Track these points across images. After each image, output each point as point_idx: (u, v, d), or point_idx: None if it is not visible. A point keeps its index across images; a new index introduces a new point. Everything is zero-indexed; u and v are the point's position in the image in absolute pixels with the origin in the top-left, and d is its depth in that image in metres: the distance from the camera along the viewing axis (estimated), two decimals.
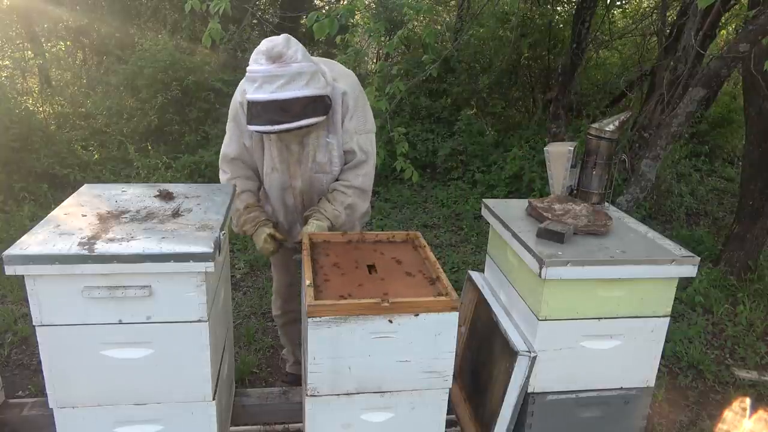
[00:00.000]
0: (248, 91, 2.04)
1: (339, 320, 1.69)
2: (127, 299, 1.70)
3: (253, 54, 2.05)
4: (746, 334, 3.84)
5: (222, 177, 2.40)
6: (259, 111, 2.01)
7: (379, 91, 4.02)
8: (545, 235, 2.01)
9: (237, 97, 2.28)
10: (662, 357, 2.15)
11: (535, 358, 1.96)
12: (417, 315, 1.72)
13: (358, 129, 2.28)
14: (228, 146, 2.35)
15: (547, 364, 1.99)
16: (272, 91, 1.97)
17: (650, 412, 2.44)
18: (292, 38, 2.08)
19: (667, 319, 2.03)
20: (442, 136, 6.77)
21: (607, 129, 2.36)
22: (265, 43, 2.03)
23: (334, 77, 2.22)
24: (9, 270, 1.62)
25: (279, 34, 2.11)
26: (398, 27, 6.39)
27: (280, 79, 1.97)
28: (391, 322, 1.71)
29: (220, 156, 2.39)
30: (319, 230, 2.24)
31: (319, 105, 2.07)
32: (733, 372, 3.44)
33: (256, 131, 2.09)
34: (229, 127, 2.34)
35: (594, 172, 2.41)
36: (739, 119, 7.57)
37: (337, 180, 2.36)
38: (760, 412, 3.11)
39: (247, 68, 2.06)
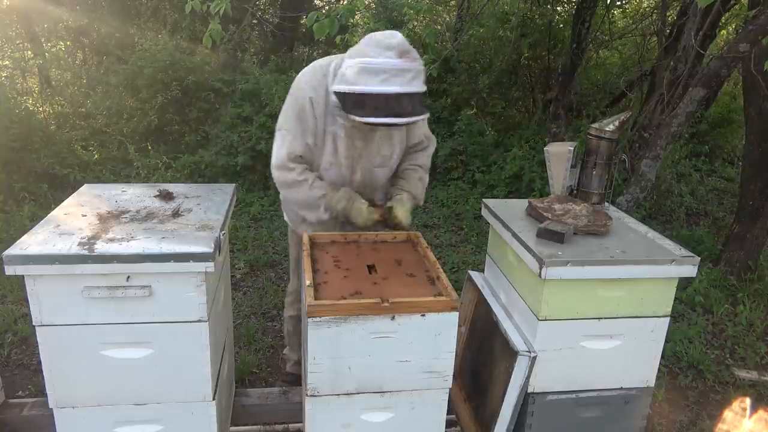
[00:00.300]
0: (364, 83, 2.00)
1: (339, 320, 1.69)
2: (127, 299, 1.70)
3: (370, 47, 2.03)
4: (746, 334, 3.84)
5: (288, 176, 2.31)
6: (382, 104, 2.00)
7: None
8: (545, 235, 2.01)
9: (305, 93, 2.22)
10: (662, 357, 2.15)
11: (535, 358, 1.96)
12: (417, 315, 1.72)
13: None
14: (292, 145, 2.28)
15: (547, 364, 1.99)
16: (401, 85, 1.98)
17: (650, 412, 2.44)
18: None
19: (667, 319, 2.03)
20: (442, 136, 6.77)
21: (607, 129, 2.36)
22: (386, 38, 2.03)
23: None
24: (9, 270, 1.63)
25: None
26: (398, 27, 6.39)
27: (408, 74, 1.99)
28: (393, 319, 1.71)
29: (283, 156, 2.30)
30: (406, 205, 2.30)
31: (423, 100, 2.14)
32: (733, 372, 3.44)
33: (374, 123, 2.05)
34: (292, 125, 2.27)
35: (594, 172, 2.41)
36: (739, 119, 7.57)
37: (402, 164, 2.45)
38: (760, 412, 3.10)
39: (363, 60, 2.02)
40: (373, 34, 2.09)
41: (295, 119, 2.26)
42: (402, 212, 2.27)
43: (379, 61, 1.99)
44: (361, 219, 2.27)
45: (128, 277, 1.68)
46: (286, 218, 2.67)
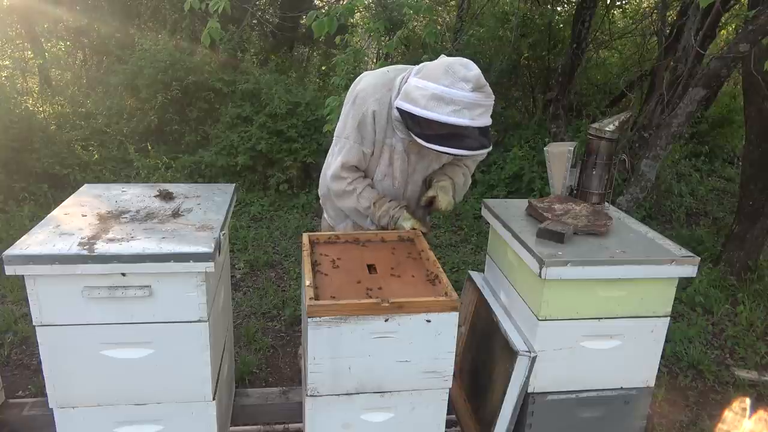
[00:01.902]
0: (435, 109, 2.00)
1: (339, 320, 1.68)
2: (127, 299, 1.70)
3: (447, 74, 2.02)
4: (746, 334, 3.84)
5: (339, 185, 2.34)
6: (449, 133, 2.02)
7: None
8: (545, 235, 2.01)
9: (368, 106, 2.21)
10: (662, 357, 2.15)
11: (535, 358, 1.96)
12: (417, 315, 1.72)
13: None
14: (348, 154, 2.29)
15: (547, 364, 1.99)
16: (471, 118, 2.01)
17: (650, 412, 2.44)
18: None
19: (667, 319, 2.03)
20: None
21: (607, 129, 2.36)
22: (464, 70, 2.02)
23: None
24: (9, 270, 1.63)
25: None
26: (398, 27, 6.38)
27: (481, 108, 2.02)
28: (393, 319, 1.71)
29: (337, 166, 2.31)
30: (449, 193, 2.34)
31: None
32: (733, 372, 3.44)
33: (440, 151, 2.07)
34: (350, 135, 2.27)
35: (594, 172, 2.41)
36: (739, 119, 7.57)
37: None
38: (760, 412, 3.11)
39: (438, 87, 2.01)
40: (449, 60, 2.08)
41: (356, 129, 2.25)
42: (445, 200, 2.31)
43: (453, 92, 2.00)
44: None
45: (124, 273, 1.68)
46: (325, 215, 2.65)
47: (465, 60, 2.08)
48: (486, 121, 2.05)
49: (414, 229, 2.25)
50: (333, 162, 2.34)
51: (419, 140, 2.06)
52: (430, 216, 2.58)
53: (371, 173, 2.38)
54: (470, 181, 2.54)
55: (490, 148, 2.12)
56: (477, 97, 2.00)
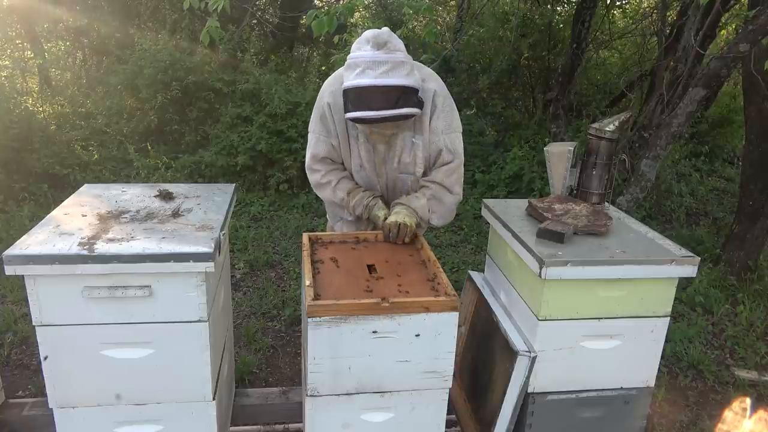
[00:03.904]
0: (348, 78, 2.01)
1: (339, 320, 1.68)
2: (127, 299, 1.70)
3: (354, 43, 2.06)
4: (746, 334, 3.84)
5: (314, 177, 2.36)
6: (358, 97, 1.98)
7: None
8: (545, 235, 2.01)
9: (324, 99, 2.24)
10: (662, 357, 2.15)
11: (535, 358, 1.96)
12: (417, 315, 1.72)
13: (445, 129, 2.26)
14: (316, 147, 2.32)
15: (547, 364, 1.99)
16: (376, 77, 1.96)
17: (650, 412, 2.44)
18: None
19: (667, 319, 2.03)
20: None
21: (607, 129, 2.36)
22: (369, 32, 2.03)
23: (423, 77, 2.21)
24: (9, 270, 1.62)
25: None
26: (398, 27, 6.38)
27: (384, 65, 1.97)
28: (393, 319, 1.71)
29: (309, 158, 2.34)
30: (409, 219, 2.19)
31: (416, 98, 2.07)
32: (733, 372, 3.44)
33: (354, 119, 2.04)
34: (315, 129, 2.31)
35: (594, 172, 2.41)
36: (739, 119, 7.57)
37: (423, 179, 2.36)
38: (760, 412, 3.11)
39: (349, 56, 2.05)
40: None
41: (319, 122, 2.29)
42: (392, 220, 2.18)
43: (356, 54, 2.01)
44: (378, 227, 2.29)
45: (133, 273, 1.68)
46: (328, 214, 2.68)
47: (383, 28, 2.06)
48: (395, 80, 1.96)
49: (386, 219, 2.23)
50: (307, 156, 2.37)
51: (346, 115, 2.04)
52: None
53: (348, 165, 2.37)
54: (448, 196, 2.31)
55: (410, 110, 2.02)
56: (376, 54, 1.97)
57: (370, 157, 2.31)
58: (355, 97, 2.00)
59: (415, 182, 2.35)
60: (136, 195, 2.17)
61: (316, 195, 2.55)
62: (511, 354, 1.98)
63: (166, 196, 2.15)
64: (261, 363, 3.39)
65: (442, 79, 2.36)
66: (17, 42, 8.52)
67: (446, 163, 2.29)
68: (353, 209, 2.33)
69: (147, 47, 6.53)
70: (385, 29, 2.05)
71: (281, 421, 2.64)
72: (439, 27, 8.96)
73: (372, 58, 1.97)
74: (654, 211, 5.89)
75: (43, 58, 7.83)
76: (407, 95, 2.01)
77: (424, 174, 2.34)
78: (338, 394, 1.79)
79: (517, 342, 2.00)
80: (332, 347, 1.71)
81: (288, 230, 5.25)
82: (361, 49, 2.01)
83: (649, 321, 2.01)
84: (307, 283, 1.78)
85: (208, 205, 2.10)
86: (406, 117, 2.06)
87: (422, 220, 2.26)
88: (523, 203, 2.34)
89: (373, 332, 1.71)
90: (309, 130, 2.36)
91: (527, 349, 1.97)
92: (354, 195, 2.32)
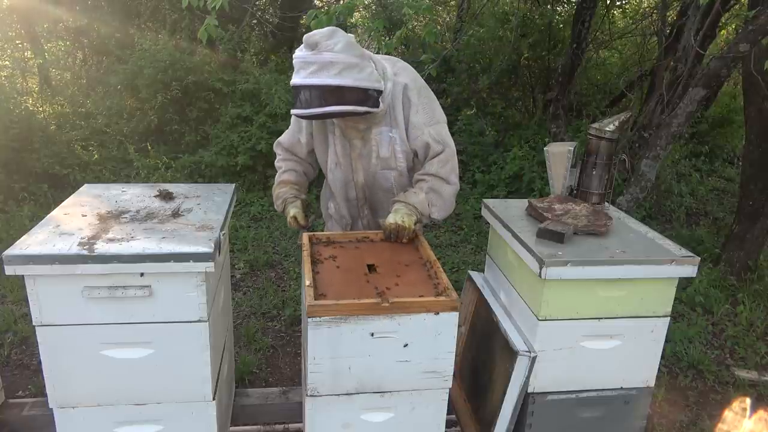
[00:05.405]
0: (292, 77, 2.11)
1: (339, 320, 1.69)
2: (127, 299, 1.70)
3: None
4: (746, 334, 3.84)
5: (276, 159, 2.52)
6: (295, 95, 2.08)
7: None
8: (545, 235, 2.01)
9: None
10: (662, 357, 2.15)
11: (535, 358, 1.96)
12: (417, 315, 1.72)
13: (427, 121, 2.25)
14: (285, 135, 2.49)
15: (547, 364, 1.99)
16: (304, 77, 2.02)
17: (650, 412, 2.44)
18: (340, 30, 2.11)
19: (667, 319, 2.03)
20: None
21: (607, 129, 2.36)
22: (310, 33, 2.08)
23: (395, 72, 2.25)
24: (9, 270, 1.63)
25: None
26: (398, 27, 6.38)
27: (311, 66, 2.02)
28: (393, 319, 1.71)
29: (277, 140, 2.51)
30: (408, 218, 2.17)
31: (355, 96, 2.07)
32: (733, 372, 3.44)
33: (294, 115, 2.17)
34: (293, 122, 2.46)
35: (594, 172, 2.41)
36: (739, 119, 7.57)
37: (416, 173, 2.34)
38: (760, 412, 3.10)
39: None
40: None
41: (294, 117, 2.36)
42: (391, 220, 2.18)
43: (294, 55, 2.08)
44: (288, 224, 2.38)
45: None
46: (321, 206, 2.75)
47: (327, 27, 2.11)
48: (321, 80, 2.00)
49: (294, 218, 2.32)
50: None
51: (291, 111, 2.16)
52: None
53: (323, 163, 2.42)
54: (445, 187, 2.27)
55: (337, 108, 2.04)
56: (305, 55, 2.02)
57: (346, 152, 2.34)
58: (294, 95, 2.10)
59: (398, 177, 2.35)
60: (136, 195, 2.17)
61: (316, 195, 2.56)
62: (511, 354, 1.98)
63: (166, 196, 2.16)
64: (261, 363, 3.39)
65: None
66: (17, 42, 8.51)
67: (437, 154, 2.27)
68: (275, 200, 2.43)
69: (147, 47, 6.53)
70: (327, 29, 2.09)
71: (281, 421, 2.64)
72: (439, 27, 8.97)
73: (302, 59, 2.04)
74: (654, 211, 5.89)
75: (43, 58, 7.82)
76: (340, 93, 2.03)
77: (414, 169, 2.33)
78: (338, 394, 1.79)
79: (517, 342, 2.00)
80: (332, 347, 1.71)
81: (288, 230, 5.25)
82: (299, 49, 2.07)
83: (649, 321, 2.01)
84: (307, 283, 1.78)
85: (208, 205, 2.10)
86: (341, 114, 2.09)
87: (422, 216, 2.24)
88: (523, 203, 2.34)
89: (373, 332, 1.71)
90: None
91: (527, 349, 1.97)
92: (281, 187, 2.43)
